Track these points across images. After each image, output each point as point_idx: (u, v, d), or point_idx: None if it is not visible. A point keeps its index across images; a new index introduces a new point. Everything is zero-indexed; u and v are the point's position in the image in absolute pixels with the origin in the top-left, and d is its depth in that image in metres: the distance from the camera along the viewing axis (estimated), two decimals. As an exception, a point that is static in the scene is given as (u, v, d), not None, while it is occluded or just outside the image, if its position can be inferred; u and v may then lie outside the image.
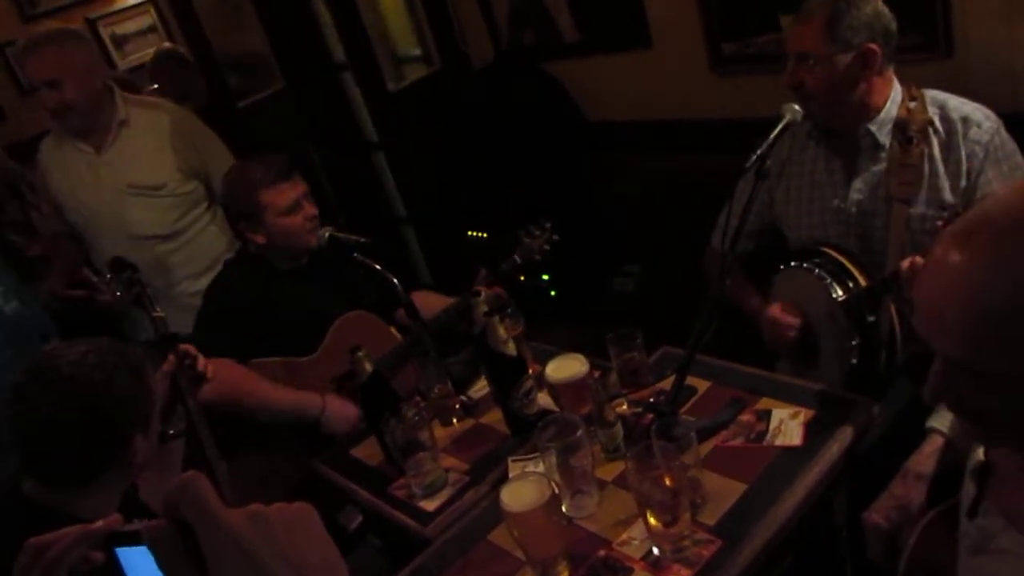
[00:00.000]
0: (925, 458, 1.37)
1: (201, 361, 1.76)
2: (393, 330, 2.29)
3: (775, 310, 1.94)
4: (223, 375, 1.88)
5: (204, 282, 2.47)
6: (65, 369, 1.36)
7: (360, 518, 2.44)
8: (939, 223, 1.58)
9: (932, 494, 1.31)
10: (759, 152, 1.63)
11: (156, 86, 4.30)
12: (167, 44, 4.25)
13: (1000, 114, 1.74)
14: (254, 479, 2.00)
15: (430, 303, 2.29)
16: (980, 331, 0.84)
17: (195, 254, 2.62)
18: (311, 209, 2.12)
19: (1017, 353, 0.83)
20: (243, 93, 4.42)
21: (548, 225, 2.25)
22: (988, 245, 0.84)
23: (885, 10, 1.75)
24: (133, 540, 0.59)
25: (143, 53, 5.03)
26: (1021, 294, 0.81)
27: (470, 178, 3.68)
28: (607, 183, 3.38)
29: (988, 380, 0.87)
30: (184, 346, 1.75)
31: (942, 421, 1.38)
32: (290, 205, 2.08)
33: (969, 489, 1.08)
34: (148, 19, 5.19)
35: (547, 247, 2.24)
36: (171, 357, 1.72)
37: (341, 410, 2.08)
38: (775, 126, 1.69)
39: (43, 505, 1.38)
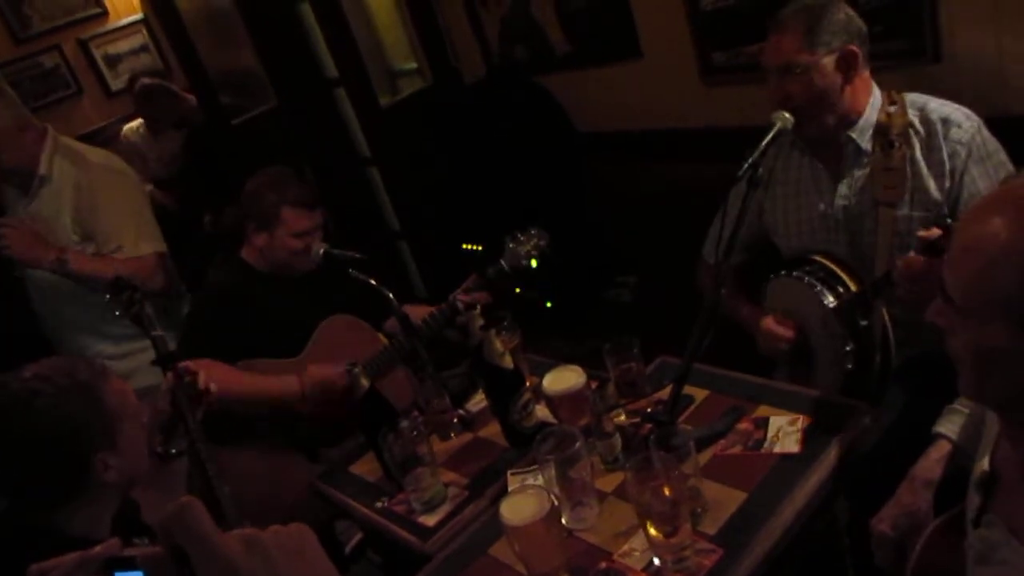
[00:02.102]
0: (932, 464, 1.36)
1: (202, 378, 1.76)
2: (380, 336, 2.31)
3: (769, 323, 1.94)
4: (207, 374, 1.88)
5: (122, 349, 2.46)
6: (6, 399, 1.33)
7: (360, 535, 2.44)
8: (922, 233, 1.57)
9: (939, 501, 1.30)
10: (750, 160, 1.63)
11: (142, 120, 4.33)
12: (144, 80, 4.26)
13: (988, 119, 1.75)
14: (254, 495, 1.99)
15: (420, 316, 2.30)
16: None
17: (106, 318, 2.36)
18: (317, 243, 2.17)
19: None
20: (237, 111, 4.42)
21: (534, 231, 2.26)
22: (1011, 208, 0.93)
23: (854, 13, 1.78)
24: (131, 565, 0.59)
25: (136, 72, 5.06)
26: None
27: (464, 191, 3.69)
28: (600, 194, 3.39)
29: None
30: (183, 364, 1.75)
31: (950, 427, 1.37)
32: (303, 231, 2.16)
33: (974, 499, 1.08)
34: (140, 38, 5.23)
35: (535, 253, 2.25)
36: (169, 375, 1.71)
37: (320, 375, 2.07)
38: (766, 134, 1.70)
39: (35, 525, 1.37)
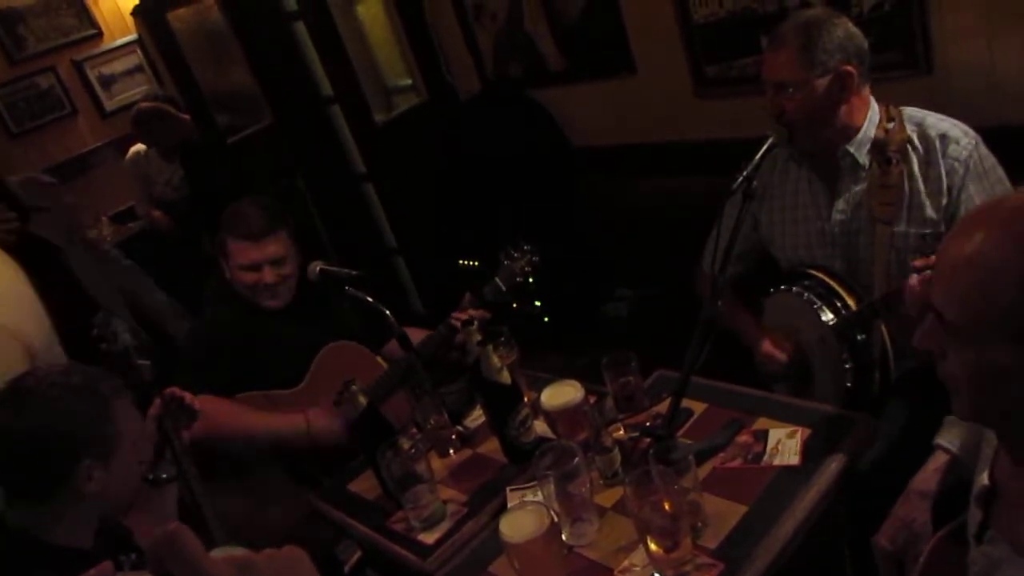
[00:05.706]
0: (928, 476, 1.36)
1: (188, 397, 1.75)
2: (379, 359, 2.29)
3: (767, 346, 1.95)
4: (207, 411, 1.86)
5: None
6: (28, 382, 1.41)
7: (359, 553, 2.42)
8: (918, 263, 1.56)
9: (938, 512, 1.30)
10: (745, 173, 1.64)
11: (143, 146, 4.33)
12: (144, 104, 4.27)
13: (980, 130, 1.75)
14: (247, 518, 1.97)
15: (417, 340, 2.28)
16: (985, 302, 0.91)
17: None
18: (270, 276, 2.09)
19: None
20: (232, 130, 4.43)
21: (528, 247, 2.24)
22: (999, 223, 0.92)
23: (856, 30, 1.75)
24: None
25: (131, 93, 5.08)
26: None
27: (459, 207, 3.70)
28: (595, 208, 3.40)
29: (990, 351, 0.93)
30: (169, 389, 1.74)
31: (949, 438, 1.37)
32: (249, 264, 2.08)
33: (975, 514, 1.07)
34: (134, 59, 5.24)
35: (528, 269, 2.24)
36: (157, 402, 1.71)
37: (325, 421, 2.05)
38: (760, 147, 1.70)
39: (20, 532, 1.39)
